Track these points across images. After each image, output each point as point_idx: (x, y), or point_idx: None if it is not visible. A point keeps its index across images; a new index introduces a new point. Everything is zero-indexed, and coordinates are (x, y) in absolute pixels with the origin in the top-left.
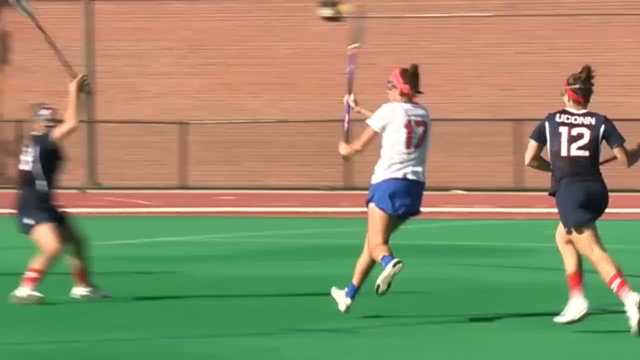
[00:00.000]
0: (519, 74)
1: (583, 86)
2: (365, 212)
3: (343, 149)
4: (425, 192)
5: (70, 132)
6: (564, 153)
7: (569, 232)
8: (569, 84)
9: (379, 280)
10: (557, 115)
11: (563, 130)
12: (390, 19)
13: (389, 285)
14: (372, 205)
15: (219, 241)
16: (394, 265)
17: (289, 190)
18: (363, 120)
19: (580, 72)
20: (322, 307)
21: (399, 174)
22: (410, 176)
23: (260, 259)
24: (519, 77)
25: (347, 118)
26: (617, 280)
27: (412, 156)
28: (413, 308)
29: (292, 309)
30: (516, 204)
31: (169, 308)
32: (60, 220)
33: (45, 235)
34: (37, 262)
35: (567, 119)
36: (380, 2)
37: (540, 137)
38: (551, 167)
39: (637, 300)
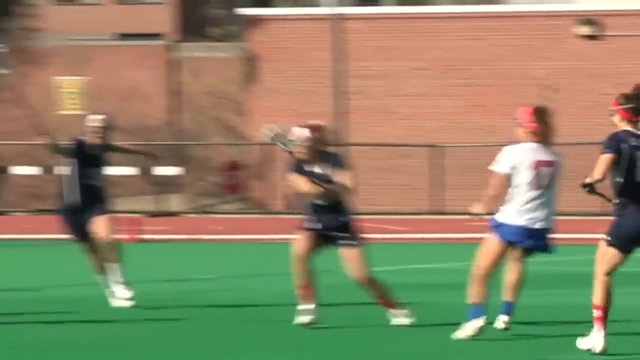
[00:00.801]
0: None
1: (635, 105)
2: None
3: (478, 208)
4: None
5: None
6: (638, 179)
7: (609, 245)
8: (620, 103)
9: (457, 334)
10: (631, 138)
11: (638, 155)
12: None
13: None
14: (493, 235)
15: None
16: (478, 330)
17: None
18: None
19: (630, 91)
20: (566, 336)
21: (523, 220)
22: (535, 225)
23: None
24: None
25: None
26: (599, 312)
27: (537, 199)
28: None
29: (538, 337)
30: None
31: (424, 337)
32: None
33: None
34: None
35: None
36: (638, 20)
37: (618, 151)
38: (617, 190)
39: (591, 348)
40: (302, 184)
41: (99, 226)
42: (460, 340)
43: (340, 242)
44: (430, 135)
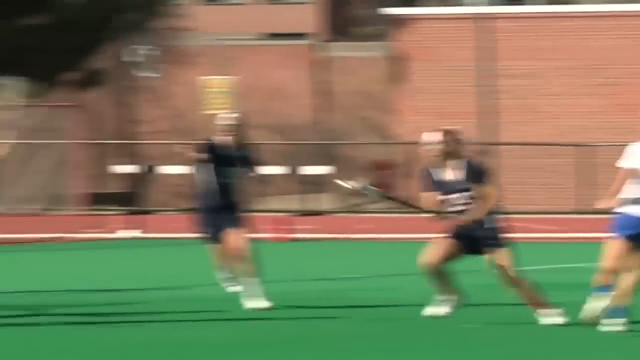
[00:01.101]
0: None
1: None
2: None
3: (603, 203)
4: None
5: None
6: None
7: None
8: None
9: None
10: None
11: None
12: None
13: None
14: (616, 234)
15: None
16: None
17: None
18: None
19: None
20: None
21: (637, 211)
22: None
23: None
24: None
25: None
26: None
27: None
28: None
29: None
30: None
31: (573, 336)
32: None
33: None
34: None
35: None
36: None
37: None
38: None
39: None
40: (432, 218)
41: (233, 240)
42: (610, 336)
43: (486, 245)
44: (577, 135)
